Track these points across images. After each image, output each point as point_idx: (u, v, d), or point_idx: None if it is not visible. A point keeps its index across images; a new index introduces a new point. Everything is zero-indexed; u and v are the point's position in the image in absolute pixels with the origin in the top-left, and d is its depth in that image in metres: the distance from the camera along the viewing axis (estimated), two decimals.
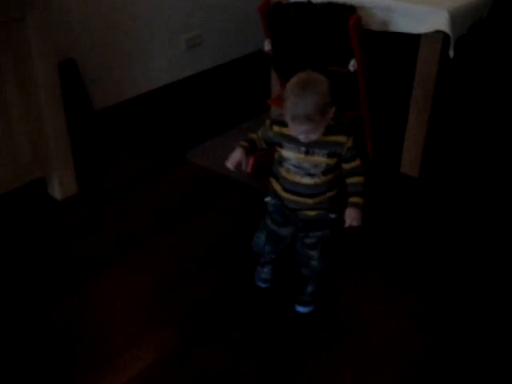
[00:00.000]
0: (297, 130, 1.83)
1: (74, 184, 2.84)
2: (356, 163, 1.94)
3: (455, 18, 2.58)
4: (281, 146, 1.95)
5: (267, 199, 2.11)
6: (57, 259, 2.46)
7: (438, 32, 2.62)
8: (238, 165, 1.95)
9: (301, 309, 2.21)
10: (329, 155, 1.90)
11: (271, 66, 3.12)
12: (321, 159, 1.91)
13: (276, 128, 1.94)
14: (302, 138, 1.85)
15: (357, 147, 1.92)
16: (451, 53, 2.64)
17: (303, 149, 1.90)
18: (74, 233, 2.61)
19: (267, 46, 2.81)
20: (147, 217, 2.71)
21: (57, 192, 2.79)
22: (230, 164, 1.95)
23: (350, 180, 1.96)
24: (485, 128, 3.34)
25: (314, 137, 1.84)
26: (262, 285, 2.32)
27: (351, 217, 1.92)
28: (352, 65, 2.58)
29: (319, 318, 2.19)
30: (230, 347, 2.04)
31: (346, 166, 1.95)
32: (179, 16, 3.78)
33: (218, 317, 2.17)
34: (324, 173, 1.94)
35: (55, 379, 1.91)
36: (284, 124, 1.90)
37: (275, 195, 2.07)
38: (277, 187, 2.05)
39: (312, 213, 2.03)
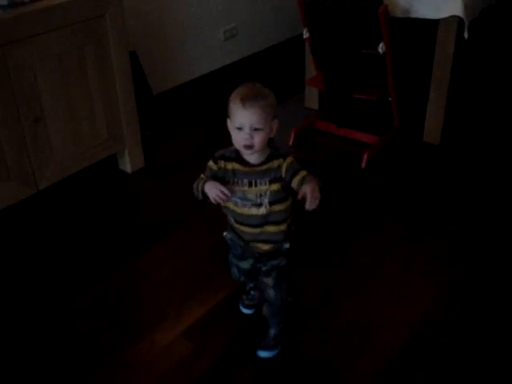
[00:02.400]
0: (240, 142, 1.80)
1: (142, 159, 3.27)
2: (303, 173, 1.82)
3: (468, 3, 2.93)
4: (224, 181, 1.90)
5: (225, 234, 2.08)
6: (130, 221, 2.89)
7: (453, 17, 2.97)
8: (224, 195, 1.81)
9: (263, 353, 2.13)
10: (270, 181, 1.86)
11: (306, 51, 3.53)
12: (264, 187, 1.87)
13: (221, 164, 1.90)
14: (244, 151, 1.83)
15: (300, 163, 1.85)
16: (465, 34, 2.99)
17: (246, 181, 1.88)
18: (145, 199, 3.05)
19: (305, 34, 3.19)
20: None
21: (127, 166, 3.23)
22: (218, 198, 1.82)
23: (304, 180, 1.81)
24: (497, 99, 3.71)
25: (256, 149, 1.80)
26: (247, 311, 2.31)
27: (309, 194, 1.73)
28: (381, 47, 2.94)
29: (354, 260, 2.57)
30: None
31: (294, 183, 1.83)
32: (218, 10, 4.21)
33: None
34: (271, 203, 1.88)
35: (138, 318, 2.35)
36: (228, 159, 1.90)
37: (231, 229, 2.04)
38: (230, 220, 2.02)
39: (266, 247, 1.99)
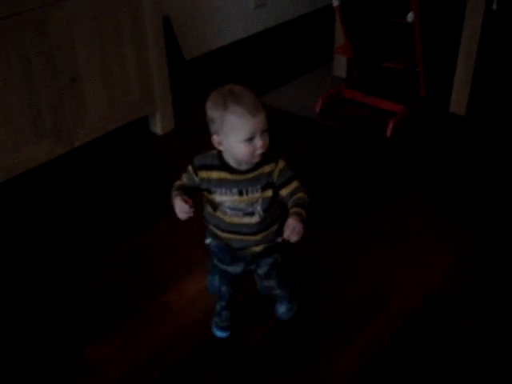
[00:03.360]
0: (253, 152, 1.66)
1: (172, 121, 3.36)
2: (294, 185, 1.76)
3: None
4: (210, 192, 1.78)
5: (207, 241, 1.93)
6: (159, 180, 2.97)
7: None
8: (189, 210, 1.71)
9: (283, 316, 2.14)
10: (262, 188, 1.74)
11: (336, 20, 3.57)
12: (256, 195, 1.75)
13: (203, 174, 1.76)
14: (255, 159, 1.69)
15: (292, 169, 1.78)
16: (494, 6, 3.01)
17: (235, 190, 1.74)
18: (173, 160, 3.14)
19: (335, 2, 3.24)
20: None
21: (158, 128, 3.32)
22: (182, 215, 1.73)
23: (292, 198, 1.75)
24: None
25: (266, 150, 1.69)
26: (221, 334, 2.11)
27: (290, 228, 1.65)
28: (410, 16, 3.00)
29: (375, 225, 2.64)
30: None
31: (284, 192, 1.76)
32: None
33: None
34: (265, 210, 1.78)
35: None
36: (211, 167, 1.75)
37: (215, 236, 1.90)
38: (215, 230, 1.88)
39: (258, 248, 1.88)
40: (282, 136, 3.31)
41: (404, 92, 3.51)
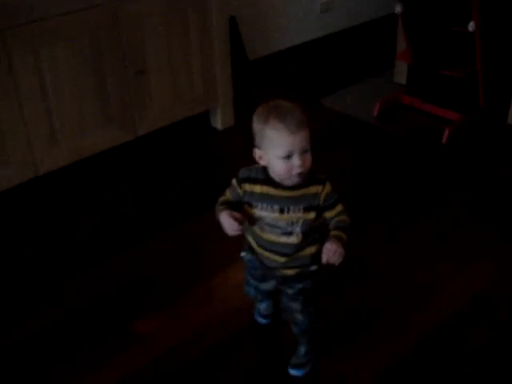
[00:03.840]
0: (290, 171, 1.60)
1: (232, 118, 3.48)
2: (339, 208, 1.72)
3: None
4: (251, 206, 1.74)
5: (243, 254, 1.91)
6: (215, 171, 3.11)
7: None
8: (239, 225, 1.66)
9: (294, 372, 2.01)
10: (305, 209, 1.68)
11: (398, 27, 3.62)
12: (297, 215, 1.69)
13: (247, 186, 1.72)
14: (293, 178, 1.63)
15: (337, 192, 1.72)
16: None
17: (276, 207, 1.68)
18: (230, 155, 3.27)
19: (398, 9, 3.29)
20: None
21: (218, 123, 3.45)
22: (232, 231, 1.67)
23: (334, 220, 1.72)
24: None
25: (306, 170, 1.63)
26: (262, 320, 2.20)
27: (329, 251, 1.61)
28: (471, 26, 3.03)
29: (425, 227, 2.68)
30: None
31: (328, 214, 1.72)
32: None
33: None
34: (304, 232, 1.71)
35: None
36: (254, 181, 1.71)
37: (251, 250, 1.87)
38: (252, 243, 1.84)
39: (290, 271, 1.81)
40: (338, 137, 3.40)
41: (462, 101, 3.52)
